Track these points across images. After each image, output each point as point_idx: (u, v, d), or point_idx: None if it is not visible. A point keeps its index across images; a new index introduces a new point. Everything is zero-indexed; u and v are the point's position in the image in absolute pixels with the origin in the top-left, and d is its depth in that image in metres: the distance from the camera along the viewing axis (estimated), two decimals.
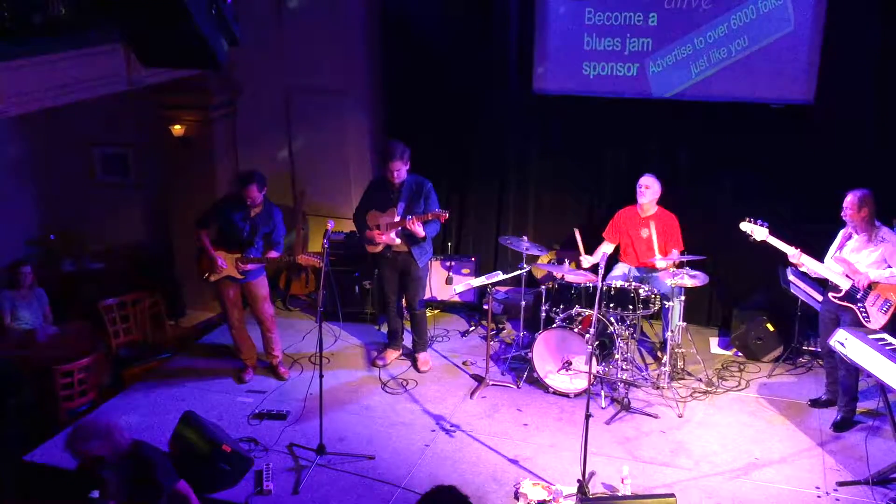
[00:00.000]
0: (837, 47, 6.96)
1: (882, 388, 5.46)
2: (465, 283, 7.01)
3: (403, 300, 7.22)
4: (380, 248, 6.84)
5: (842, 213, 5.93)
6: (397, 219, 6.66)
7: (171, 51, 4.23)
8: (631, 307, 6.63)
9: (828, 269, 6.05)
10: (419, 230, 6.57)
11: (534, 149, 8.13)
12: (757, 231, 6.19)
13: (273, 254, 6.64)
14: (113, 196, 9.27)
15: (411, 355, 7.28)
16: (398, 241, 6.72)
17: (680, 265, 6.62)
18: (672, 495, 4.99)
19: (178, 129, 8.53)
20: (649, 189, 7.07)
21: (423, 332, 7.20)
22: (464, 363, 7.28)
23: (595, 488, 5.48)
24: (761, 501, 5.41)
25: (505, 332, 7.87)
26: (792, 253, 6.09)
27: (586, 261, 7.08)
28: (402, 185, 6.69)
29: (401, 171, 6.62)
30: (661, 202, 7.19)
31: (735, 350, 7.39)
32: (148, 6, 3.98)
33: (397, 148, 6.60)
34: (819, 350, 6.91)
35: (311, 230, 8.81)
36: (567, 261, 7.07)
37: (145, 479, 4.14)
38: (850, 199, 5.88)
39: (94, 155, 9.27)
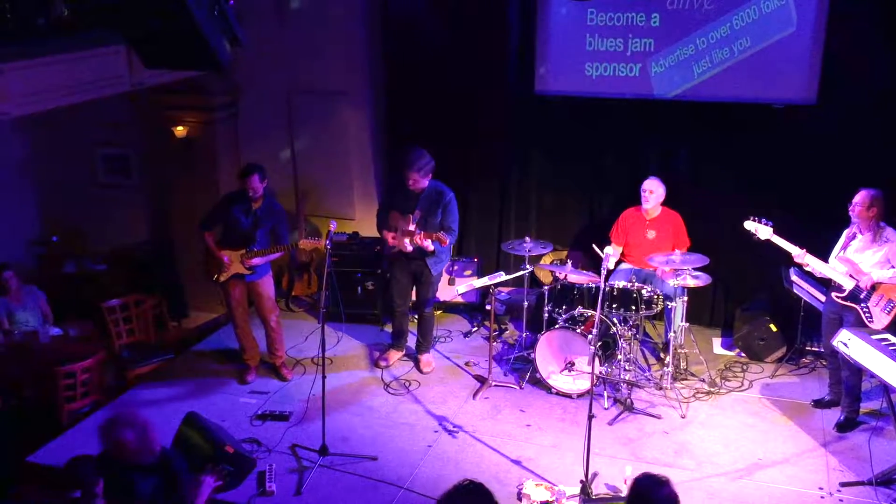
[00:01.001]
0: (839, 47, 6.96)
1: (885, 389, 5.45)
2: (467, 284, 7.01)
3: (411, 303, 7.22)
4: (395, 251, 6.83)
5: (850, 209, 5.93)
6: (412, 227, 6.63)
7: (173, 52, 4.23)
8: (634, 308, 6.63)
9: (832, 269, 6.04)
10: (428, 245, 6.55)
11: (535, 149, 8.12)
12: (761, 230, 6.18)
13: (280, 252, 6.64)
14: (115, 197, 9.27)
15: (414, 356, 7.28)
16: (410, 248, 6.70)
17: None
18: None
19: (180, 130, 8.54)
20: (653, 194, 7.07)
21: (428, 333, 7.19)
22: (466, 364, 7.28)
23: (598, 489, 5.47)
24: (764, 502, 5.40)
25: (507, 332, 7.87)
26: (797, 253, 6.08)
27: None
28: (423, 191, 6.66)
29: (418, 182, 6.58)
30: (664, 202, 7.18)
31: (738, 350, 7.38)
32: (150, 7, 3.98)
33: (416, 160, 6.52)
34: (822, 350, 6.90)
35: (312, 231, 8.80)
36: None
37: (173, 490, 4.16)
38: (861, 196, 5.87)
39: (96, 156, 9.28)
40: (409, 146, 6.79)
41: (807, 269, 6.22)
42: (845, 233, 6.11)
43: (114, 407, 6.57)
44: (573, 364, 6.54)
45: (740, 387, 6.84)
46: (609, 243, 7.30)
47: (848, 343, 5.48)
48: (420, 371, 7.14)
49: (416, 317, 7.30)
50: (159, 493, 4.18)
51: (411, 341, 7.38)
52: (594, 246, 6.98)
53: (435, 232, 6.52)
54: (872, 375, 5.40)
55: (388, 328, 7.55)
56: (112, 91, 6.87)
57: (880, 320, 5.84)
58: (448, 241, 6.54)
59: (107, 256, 9.14)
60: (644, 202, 7.11)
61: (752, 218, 6.25)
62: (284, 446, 6.02)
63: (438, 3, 7.95)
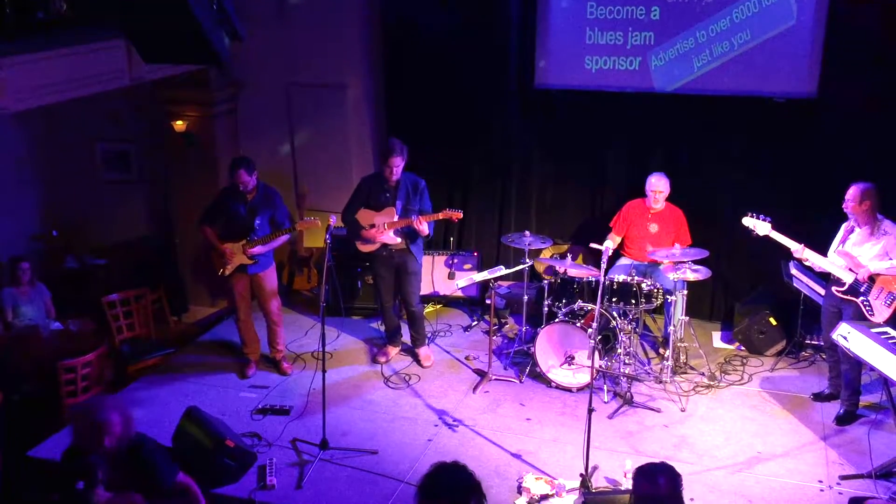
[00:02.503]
0: (840, 40, 6.94)
1: (885, 382, 5.46)
2: (467, 278, 7.01)
3: (398, 299, 7.23)
4: (375, 248, 6.83)
5: (843, 206, 5.93)
6: (396, 218, 6.65)
7: (172, 47, 4.23)
8: (633, 301, 6.63)
9: (831, 263, 6.04)
10: (425, 229, 6.57)
11: (536, 143, 8.12)
12: (760, 226, 6.17)
13: (282, 237, 6.65)
14: (115, 192, 9.28)
15: (412, 351, 7.29)
16: (398, 240, 6.71)
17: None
18: None
19: (180, 124, 8.54)
20: (662, 193, 7.05)
21: (420, 327, 7.16)
22: (466, 358, 7.28)
23: (598, 482, 5.48)
24: (764, 495, 5.41)
25: (507, 326, 7.87)
26: (796, 248, 6.07)
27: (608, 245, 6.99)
28: (398, 183, 6.68)
29: (400, 167, 6.62)
30: (667, 197, 7.18)
31: (738, 344, 7.39)
32: (149, 2, 3.98)
33: (397, 144, 6.59)
34: (822, 344, 6.90)
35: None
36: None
37: (145, 474, 4.14)
38: (852, 192, 5.87)
39: (96, 151, 9.28)
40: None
41: (806, 263, 6.22)
42: (844, 226, 6.10)
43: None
44: (573, 358, 6.55)
45: (740, 380, 6.85)
46: (609, 233, 7.31)
47: (847, 336, 5.48)
48: (420, 365, 7.14)
49: (406, 315, 7.25)
50: (130, 474, 4.15)
51: (407, 336, 7.38)
52: (592, 245, 7.00)
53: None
54: (872, 369, 5.39)
55: (382, 327, 7.54)
56: (111, 86, 6.87)
57: (881, 313, 5.84)
58: (460, 216, 6.58)
59: (107, 251, 9.14)
60: (654, 203, 7.09)
61: (750, 214, 6.24)
62: (285, 440, 6.03)
63: None
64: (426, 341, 7.28)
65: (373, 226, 6.73)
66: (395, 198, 6.68)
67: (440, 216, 6.55)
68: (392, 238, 6.70)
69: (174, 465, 4.29)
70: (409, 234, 6.68)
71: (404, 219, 6.61)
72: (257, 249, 6.62)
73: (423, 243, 6.97)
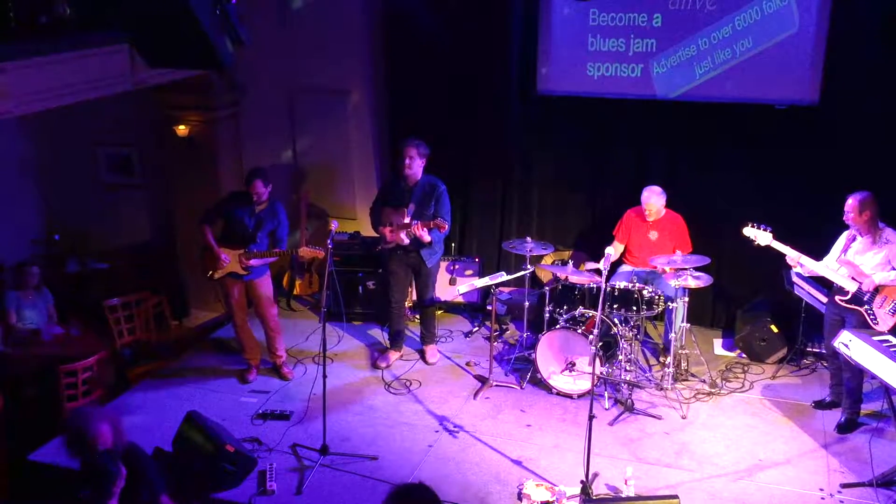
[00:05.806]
0: (842, 48, 6.95)
1: (886, 390, 5.45)
2: (468, 284, 7.02)
3: (407, 302, 7.24)
4: (391, 245, 6.86)
5: (844, 217, 5.93)
6: (406, 220, 6.68)
7: (175, 51, 4.22)
8: (635, 308, 6.62)
9: (832, 270, 6.03)
10: (424, 235, 6.59)
11: (537, 149, 8.12)
12: (761, 236, 6.17)
13: (277, 249, 6.65)
14: (117, 196, 9.28)
15: (419, 349, 7.34)
16: (407, 241, 6.74)
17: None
18: (675, 497, 5.00)
19: (182, 129, 8.54)
20: (654, 207, 7.06)
21: (431, 325, 7.29)
22: (467, 364, 7.28)
23: (598, 489, 5.47)
24: (765, 503, 5.40)
25: (508, 332, 7.87)
26: (792, 256, 6.08)
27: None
28: (416, 184, 6.72)
29: (413, 159, 6.66)
30: (667, 203, 7.18)
31: (739, 351, 7.38)
32: (152, 6, 3.98)
33: (412, 139, 6.68)
34: (823, 351, 6.90)
35: (314, 230, 8.81)
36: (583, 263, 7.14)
37: (140, 478, 4.13)
38: (850, 203, 5.87)
39: (98, 155, 9.29)
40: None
41: (798, 270, 6.23)
42: (845, 234, 6.10)
43: (114, 406, 6.58)
44: (574, 364, 6.55)
45: (741, 388, 6.84)
46: (611, 241, 7.32)
47: (849, 344, 5.48)
48: (426, 362, 7.22)
49: (419, 314, 7.36)
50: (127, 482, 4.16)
51: (409, 343, 7.41)
52: (589, 266, 7.02)
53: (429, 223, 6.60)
54: (873, 377, 5.40)
55: (386, 330, 7.55)
56: (114, 90, 6.87)
57: (885, 322, 5.83)
58: (446, 228, 6.60)
59: (108, 255, 9.14)
60: (646, 216, 7.12)
61: (751, 224, 6.24)
62: (285, 445, 6.03)
63: (440, 2, 7.95)
64: (434, 340, 7.36)
65: (389, 224, 6.77)
66: (410, 199, 6.72)
67: (431, 225, 6.56)
68: (402, 239, 6.73)
69: (163, 481, 4.28)
70: (416, 238, 6.69)
71: (408, 223, 6.62)
72: (253, 262, 6.63)
73: (440, 248, 7.01)
